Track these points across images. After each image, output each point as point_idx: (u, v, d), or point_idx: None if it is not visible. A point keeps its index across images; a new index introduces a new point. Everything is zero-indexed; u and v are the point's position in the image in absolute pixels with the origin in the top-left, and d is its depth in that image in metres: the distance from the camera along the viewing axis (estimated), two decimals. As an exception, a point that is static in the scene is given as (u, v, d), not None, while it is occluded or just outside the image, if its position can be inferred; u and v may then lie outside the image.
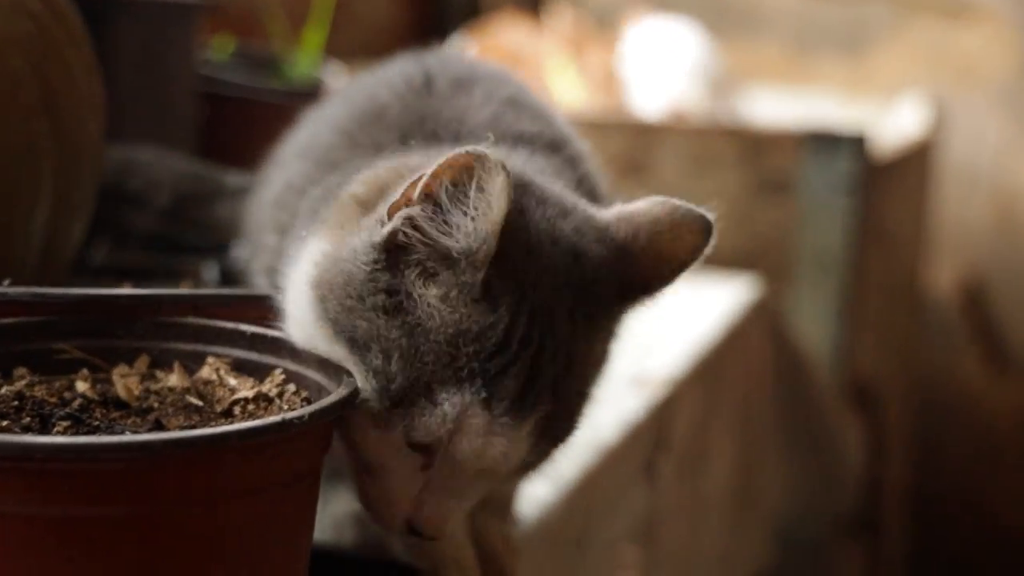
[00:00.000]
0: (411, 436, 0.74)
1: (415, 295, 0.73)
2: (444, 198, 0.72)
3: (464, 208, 0.71)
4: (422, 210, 0.72)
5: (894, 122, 2.38)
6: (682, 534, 1.50)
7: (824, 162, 1.95)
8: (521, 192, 0.75)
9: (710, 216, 0.78)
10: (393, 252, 0.74)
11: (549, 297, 0.75)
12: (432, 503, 0.76)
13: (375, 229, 0.75)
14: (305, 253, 0.79)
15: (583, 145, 0.97)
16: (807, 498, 2.04)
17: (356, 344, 0.74)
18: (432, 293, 0.73)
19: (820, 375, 2.00)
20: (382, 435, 0.75)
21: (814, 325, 1.99)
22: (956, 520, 2.86)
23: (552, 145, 0.93)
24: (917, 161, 2.38)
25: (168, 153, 1.33)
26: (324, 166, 0.91)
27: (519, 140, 0.90)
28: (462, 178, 0.71)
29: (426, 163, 0.74)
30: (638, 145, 2.00)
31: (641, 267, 0.79)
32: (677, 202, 0.79)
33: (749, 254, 1.97)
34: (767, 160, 1.98)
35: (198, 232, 1.24)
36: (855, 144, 1.96)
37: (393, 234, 0.73)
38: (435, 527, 0.76)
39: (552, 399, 0.75)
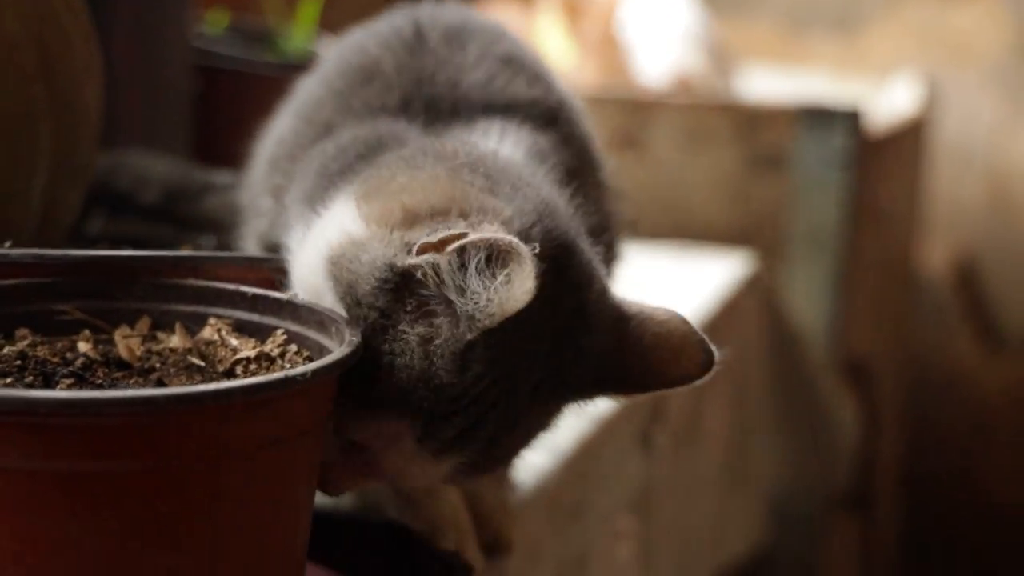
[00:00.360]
0: (342, 432, 0.76)
1: (400, 327, 0.74)
2: (472, 265, 0.72)
3: (486, 282, 0.71)
4: (449, 263, 0.72)
5: (888, 100, 2.38)
6: (677, 505, 1.50)
7: (818, 137, 1.95)
8: (549, 256, 0.75)
9: (717, 355, 0.78)
10: (404, 277, 0.74)
11: (521, 368, 0.75)
12: (339, 474, 0.78)
13: (400, 252, 0.74)
14: (332, 217, 0.80)
15: (578, 103, 0.97)
16: (800, 474, 2.05)
17: None
18: (417, 332, 0.73)
19: (814, 351, 2.00)
20: None
21: (808, 301, 1.99)
22: (949, 497, 2.87)
23: (549, 114, 0.92)
24: (911, 139, 2.38)
25: (155, 154, 1.34)
26: (315, 124, 0.91)
27: (515, 106, 0.90)
28: (497, 260, 0.71)
29: (478, 210, 0.75)
30: (633, 121, 1.99)
31: (630, 371, 0.79)
32: (694, 328, 0.78)
33: (743, 230, 1.97)
34: (761, 136, 1.98)
35: (189, 227, 1.24)
36: (849, 119, 1.95)
37: (413, 267, 0.74)
38: (334, 492, 0.79)
39: (483, 451, 0.76)
